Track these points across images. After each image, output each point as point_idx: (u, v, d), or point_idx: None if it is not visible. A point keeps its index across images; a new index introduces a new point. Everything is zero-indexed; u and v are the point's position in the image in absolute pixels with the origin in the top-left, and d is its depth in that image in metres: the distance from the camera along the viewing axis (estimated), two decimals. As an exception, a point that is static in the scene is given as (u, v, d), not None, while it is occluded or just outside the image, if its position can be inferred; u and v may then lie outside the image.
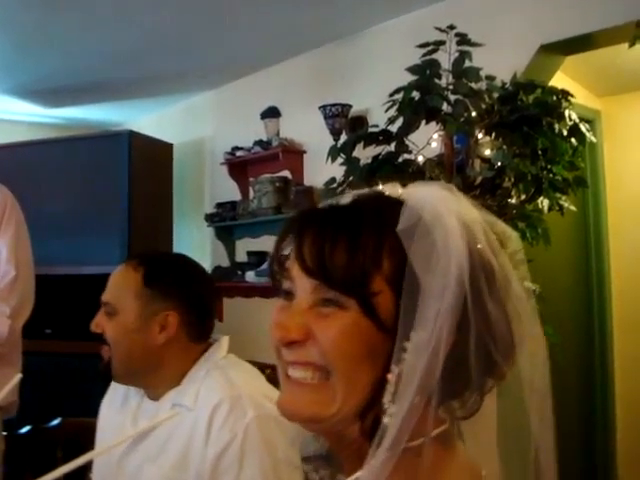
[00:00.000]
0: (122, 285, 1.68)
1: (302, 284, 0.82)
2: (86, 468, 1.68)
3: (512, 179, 2.92)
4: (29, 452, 2.47)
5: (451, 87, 2.93)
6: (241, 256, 5.12)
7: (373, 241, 0.79)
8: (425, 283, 0.76)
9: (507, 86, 3.09)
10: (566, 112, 2.96)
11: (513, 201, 2.93)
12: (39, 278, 2.72)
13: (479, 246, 0.80)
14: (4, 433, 2.49)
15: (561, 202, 3.00)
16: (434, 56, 2.93)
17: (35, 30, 4.24)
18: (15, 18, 4.03)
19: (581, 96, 3.98)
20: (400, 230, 0.78)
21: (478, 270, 0.78)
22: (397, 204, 0.82)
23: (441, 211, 0.80)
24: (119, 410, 1.78)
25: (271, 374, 3.81)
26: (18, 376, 1.30)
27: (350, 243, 0.79)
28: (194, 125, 5.84)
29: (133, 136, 4.93)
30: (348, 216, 0.83)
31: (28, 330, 2.64)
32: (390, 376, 0.77)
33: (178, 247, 5.37)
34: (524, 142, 2.91)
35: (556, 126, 2.92)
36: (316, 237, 0.81)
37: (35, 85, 5.31)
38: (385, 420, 0.76)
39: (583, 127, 2.98)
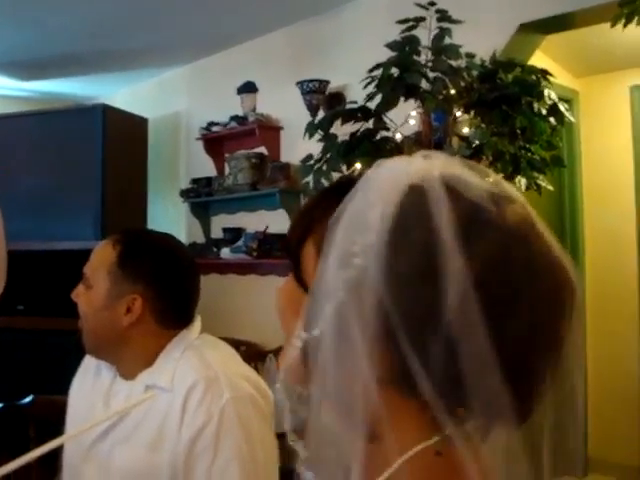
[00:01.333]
0: (99, 260, 1.65)
1: None
2: (59, 448, 1.65)
3: (490, 158, 2.92)
4: (1, 430, 2.44)
5: (430, 64, 2.92)
6: (217, 232, 5.09)
7: (319, 212, 0.75)
8: (326, 267, 0.65)
9: (486, 64, 3.08)
10: (545, 91, 2.96)
11: (491, 180, 2.92)
12: (11, 254, 2.68)
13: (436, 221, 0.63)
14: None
15: (539, 181, 3.01)
16: (414, 32, 2.91)
17: (6, 2, 4.14)
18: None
19: (559, 76, 3.97)
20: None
21: (423, 254, 0.62)
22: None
23: (381, 177, 0.68)
24: (90, 388, 1.75)
25: (246, 351, 3.80)
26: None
27: (303, 215, 0.79)
28: (169, 100, 5.77)
29: (107, 110, 4.86)
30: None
31: (0, 306, 2.59)
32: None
33: (153, 223, 5.32)
34: (503, 121, 2.90)
35: (535, 105, 2.91)
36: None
37: (7, 58, 5.20)
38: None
39: (562, 107, 2.98)
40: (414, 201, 0.64)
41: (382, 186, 0.66)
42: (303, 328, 0.67)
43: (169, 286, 1.67)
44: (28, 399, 2.45)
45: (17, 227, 3.58)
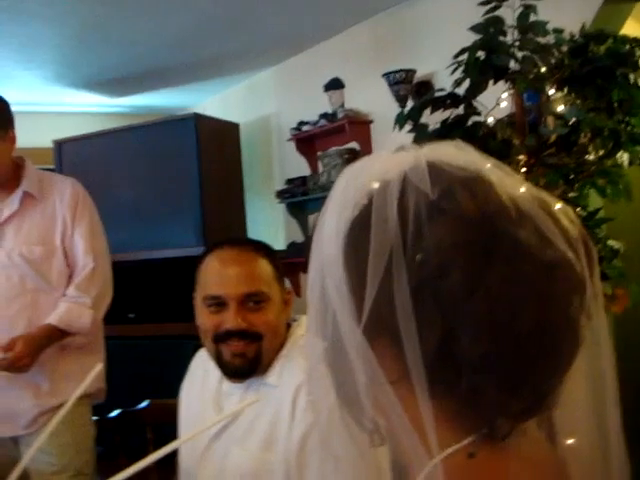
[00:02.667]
0: (263, 272, 1.67)
1: None
2: (175, 452, 1.70)
3: (588, 135, 2.83)
4: (120, 435, 2.53)
5: (517, 44, 2.85)
6: (314, 231, 5.11)
7: None
8: (312, 272, 0.70)
9: (576, 38, 2.98)
10: (641, 61, 2.85)
11: (591, 157, 2.83)
12: (118, 265, 2.77)
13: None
14: (94, 418, 2.56)
15: (642, 155, 2.89)
16: (497, 13, 2.85)
17: (95, 22, 4.29)
18: (74, 11, 4.09)
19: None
20: None
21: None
22: None
23: (346, 185, 0.70)
24: (200, 392, 1.79)
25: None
26: (99, 366, 1.32)
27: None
28: (258, 103, 5.85)
29: (199, 119, 4.97)
30: None
31: (112, 316, 2.69)
32: None
33: (251, 225, 5.41)
34: (598, 95, 2.81)
35: (631, 76, 2.81)
36: None
37: (99, 76, 5.40)
38: None
39: (660, 75, 2.86)
40: (367, 208, 0.65)
41: (347, 190, 0.67)
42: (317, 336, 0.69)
43: None
44: (144, 404, 2.54)
45: (122, 239, 3.70)
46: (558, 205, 0.65)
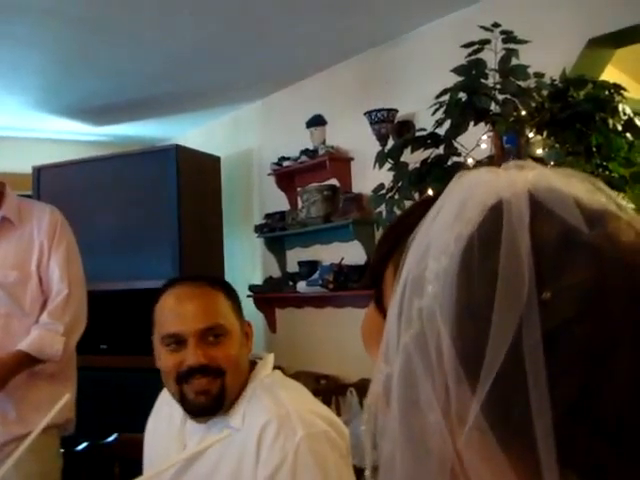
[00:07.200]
0: (220, 305, 1.64)
1: None
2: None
3: (566, 178, 2.85)
4: (87, 469, 2.48)
5: (499, 86, 2.89)
6: (292, 266, 5.11)
7: (400, 233, 0.64)
8: (401, 294, 0.56)
9: (556, 83, 3.03)
10: (619, 106, 2.89)
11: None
12: (93, 294, 2.74)
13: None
14: (61, 450, 2.51)
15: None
16: (480, 55, 2.89)
17: (79, 50, 4.30)
18: (59, 39, 4.09)
19: (633, 90, 3.87)
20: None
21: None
22: None
23: (464, 192, 0.58)
24: (165, 432, 1.75)
25: (327, 384, 3.77)
26: (66, 396, 1.30)
27: (385, 236, 0.71)
28: (240, 137, 5.86)
29: (180, 150, 4.96)
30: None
31: (84, 346, 2.65)
32: None
33: (229, 259, 5.38)
34: (577, 139, 2.84)
35: (610, 121, 2.84)
36: None
37: (82, 104, 5.39)
38: None
39: (638, 122, 2.90)
40: (493, 221, 0.53)
41: (462, 203, 0.56)
42: (382, 361, 0.59)
43: None
44: (112, 437, 2.49)
45: (98, 268, 3.65)
46: None
